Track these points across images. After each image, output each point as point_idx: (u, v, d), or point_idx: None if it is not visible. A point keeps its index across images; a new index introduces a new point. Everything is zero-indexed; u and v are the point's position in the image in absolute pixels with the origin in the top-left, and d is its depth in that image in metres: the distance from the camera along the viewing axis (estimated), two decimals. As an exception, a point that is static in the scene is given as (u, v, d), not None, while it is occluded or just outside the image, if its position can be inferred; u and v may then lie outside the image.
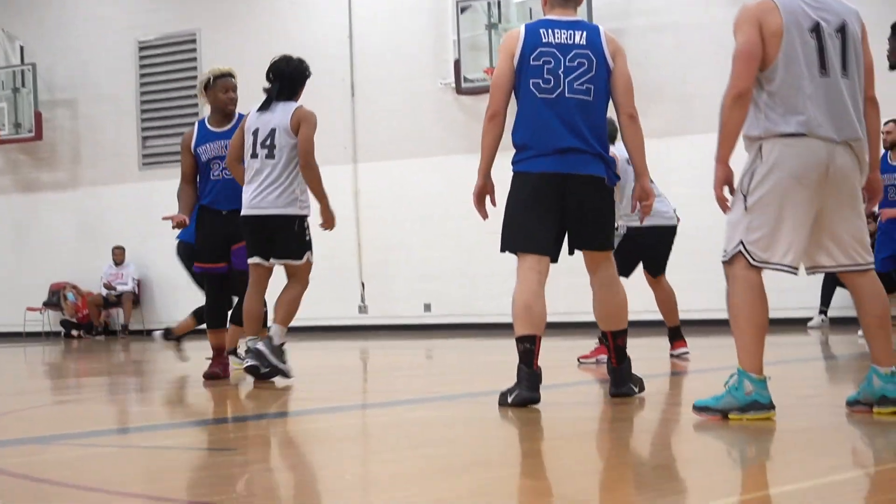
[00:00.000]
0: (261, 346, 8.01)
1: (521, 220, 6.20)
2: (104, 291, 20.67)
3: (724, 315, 5.46)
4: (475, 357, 10.55)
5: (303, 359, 10.82)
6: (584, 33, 6.26)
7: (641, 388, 6.39)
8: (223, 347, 8.73)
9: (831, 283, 14.14)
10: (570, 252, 6.30)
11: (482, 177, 6.32)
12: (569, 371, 8.77)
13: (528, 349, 5.99)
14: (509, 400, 5.99)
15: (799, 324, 13.68)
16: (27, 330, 21.30)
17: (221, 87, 8.51)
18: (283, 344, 8.24)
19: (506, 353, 11.99)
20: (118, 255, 20.64)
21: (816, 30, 5.42)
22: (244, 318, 8.44)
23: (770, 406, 5.28)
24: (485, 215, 6.23)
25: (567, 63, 6.17)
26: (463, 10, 16.75)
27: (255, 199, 8.07)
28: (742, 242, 5.36)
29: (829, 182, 5.38)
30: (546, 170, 6.16)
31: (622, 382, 6.30)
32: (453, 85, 16.94)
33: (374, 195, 18.58)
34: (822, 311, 14.01)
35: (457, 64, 16.84)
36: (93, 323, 20.98)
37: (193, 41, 20.34)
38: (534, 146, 6.14)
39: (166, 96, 20.63)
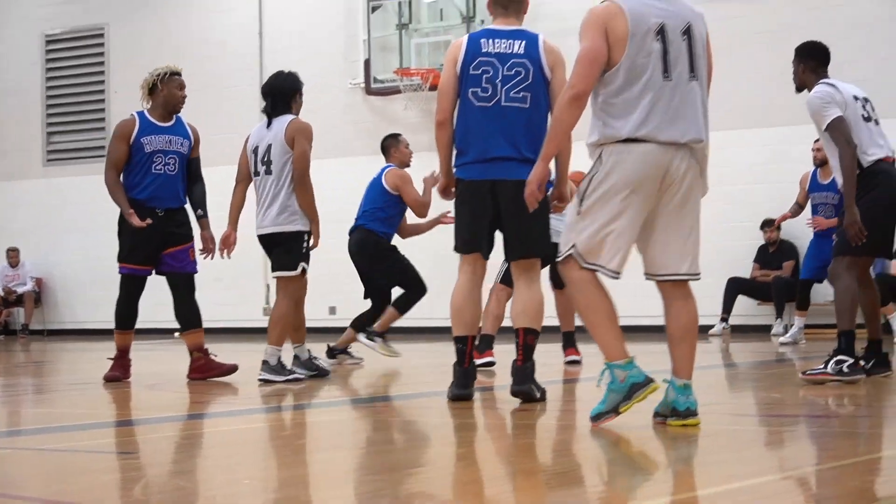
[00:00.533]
0: (263, 373, 8.22)
1: (459, 223, 6.58)
2: (5, 286, 20.30)
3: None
4: (377, 361, 10.50)
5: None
6: (524, 42, 6.45)
7: (543, 397, 6.46)
8: (128, 349, 8.61)
9: (733, 291, 14.33)
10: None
11: (443, 176, 6.69)
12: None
13: (461, 349, 6.39)
14: (449, 397, 6.44)
15: (701, 331, 13.73)
16: None
17: (177, 84, 8.52)
18: (309, 355, 8.63)
19: (409, 356, 11.96)
20: (13, 257, 20.27)
21: (661, 32, 5.40)
22: (276, 327, 8.44)
23: (648, 381, 5.28)
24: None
25: (505, 72, 6.38)
26: (374, 9, 16.63)
27: (259, 218, 8.34)
28: (574, 245, 5.38)
29: (665, 187, 5.37)
30: (476, 177, 6.43)
31: (523, 381, 6.40)
32: (363, 85, 16.82)
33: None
34: (724, 319, 14.12)
35: (367, 64, 16.74)
36: None
37: (102, 35, 20.08)
38: (469, 153, 6.41)
39: (73, 91, 20.37)
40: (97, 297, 19.62)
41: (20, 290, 20.17)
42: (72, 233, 20.17)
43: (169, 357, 13.94)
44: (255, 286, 18.55)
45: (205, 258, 8.65)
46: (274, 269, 8.47)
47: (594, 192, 5.35)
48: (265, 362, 8.20)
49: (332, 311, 17.36)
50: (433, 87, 16.20)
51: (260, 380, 8.24)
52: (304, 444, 5.45)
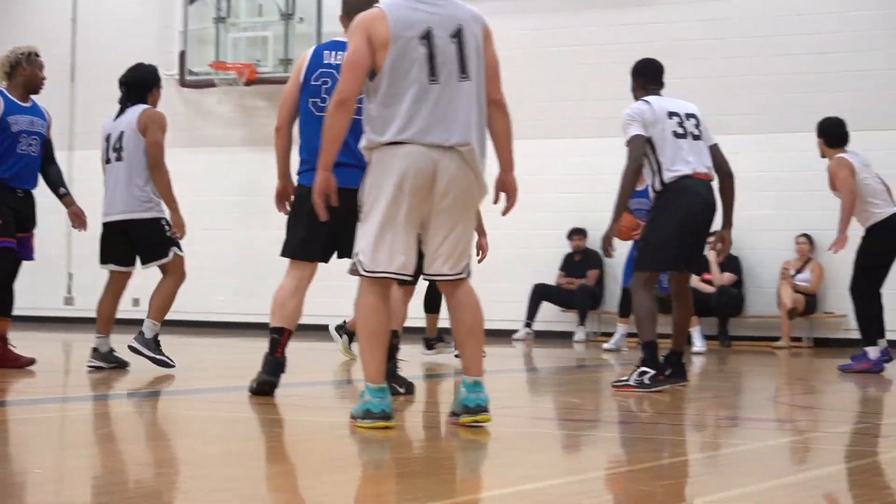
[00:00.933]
0: (134, 342, 8.18)
1: (293, 229, 6.57)
2: None
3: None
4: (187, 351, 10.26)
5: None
6: None
7: (408, 391, 6.66)
8: (3, 336, 8.32)
9: (538, 297, 14.48)
10: (339, 256, 6.59)
11: (280, 179, 6.69)
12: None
13: (276, 339, 6.45)
14: (253, 386, 6.48)
15: (505, 335, 13.78)
16: None
17: (39, 65, 8.29)
18: (156, 336, 8.31)
19: (223, 350, 11.70)
20: None
21: (427, 37, 5.38)
22: (100, 318, 8.39)
23: (382, 416, 5.23)
24: (284, 211, 6.65)
25: None
26: (192, 1, 16.22)
27: (107, 204, 8.25)
28: (358, 252, 5.39)
29: (436, 188, 5.35)
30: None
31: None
32: (177, 77, 16.30)
33: (88, 184, 17.80)
34: (528, 324, 14.23)
35: (182, 56, 16.25)
36: None
37: None
38: (308, 160, 6.37)
39: None
40: None
41: None
42: None
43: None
44: (57, 275, 18.04)
45: (80, 231, 8.52)
46: (146, 259, 8.34)
47: (367, 197, 5.38)
48: (141, 333, 8.21)
49: (136, 302, 16.94)
50: (249, 83, 15.91)
51: (131, 348, 8.21)
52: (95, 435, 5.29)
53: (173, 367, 8.16)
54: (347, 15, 6.23)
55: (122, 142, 8.10)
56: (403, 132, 5.32)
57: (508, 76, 5.79)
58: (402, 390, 6.56)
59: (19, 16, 17.98)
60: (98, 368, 8.13)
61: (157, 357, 8.17)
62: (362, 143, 5.44)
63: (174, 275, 8.35)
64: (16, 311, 8.50)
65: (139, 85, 8.22)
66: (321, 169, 5.44)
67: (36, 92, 8.37)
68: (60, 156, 18.32)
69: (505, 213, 5.61)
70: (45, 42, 17.90)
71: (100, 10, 17.58)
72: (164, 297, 8.35)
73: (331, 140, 5.43)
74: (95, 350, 8.34)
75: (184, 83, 16.31)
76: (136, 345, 8.18)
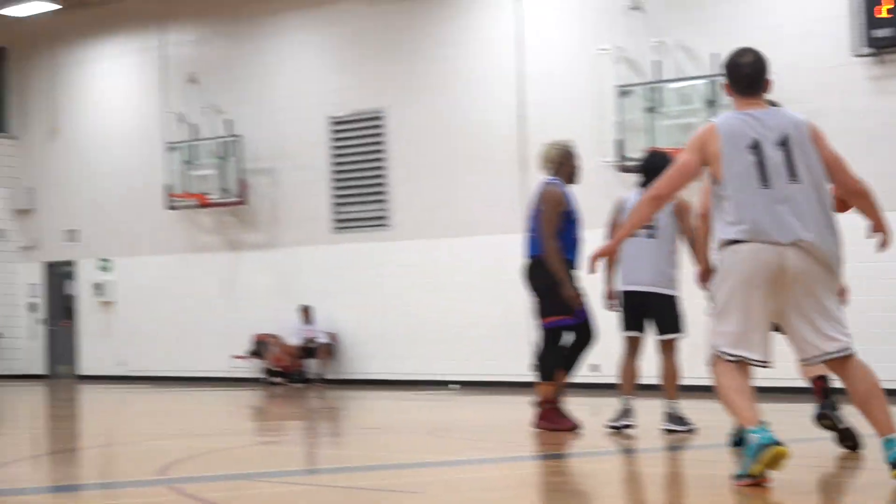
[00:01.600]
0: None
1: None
2: (299, 342, 21.70)
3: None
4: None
5: None
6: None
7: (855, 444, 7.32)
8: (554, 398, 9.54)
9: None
10: None
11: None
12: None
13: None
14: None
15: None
16: (233, 376, 22.40)
17: (578, 158, 9.80)
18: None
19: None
20: (306, 314, 21.64)
21: (756, 147, 5.84)
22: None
23: (772, 443, 5.60)
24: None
25: None
26: (624, 94, 17.77)
27: (636, 274, 9.42)
28: (716, 346, 5.91)
29: (788, 280, 5.74)
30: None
31: None
32: (613, 162, 17.76)
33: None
34: None
35: (619, 143, 17.75)
36: (292, 371, 21.77)
37: (381, 118, 21.15)
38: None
39: (356, 167, 21.50)
40: (376, 351, 21.12)
41: (313, 342, 21.50)
42: (356, 293, 21.45)
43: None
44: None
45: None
46: (662, 332, 9.45)
47: (719, 291, 5.90)
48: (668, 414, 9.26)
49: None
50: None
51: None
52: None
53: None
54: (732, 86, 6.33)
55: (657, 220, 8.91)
56: (744, 232, 5.77)
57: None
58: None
59: (472, 114, 19.99)
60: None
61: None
62: (716, 241, 6.02)
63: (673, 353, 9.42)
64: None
65: (657, 171, 8.54)
66: (616, 240, 6.54)
67: (575, 183, 9.70)
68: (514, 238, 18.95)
69: (882, 246, 6.20)
70: (496, 137, 20.13)
71: (545, 109, 19.08)
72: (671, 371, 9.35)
73: (636, 222, 6.36)
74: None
75: (620, 168, 17.61)
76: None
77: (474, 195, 19.99)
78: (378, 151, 21.26)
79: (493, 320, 19.72)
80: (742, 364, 5.88)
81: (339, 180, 21.78)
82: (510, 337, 19.00)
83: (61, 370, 26.22)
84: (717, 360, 5.93)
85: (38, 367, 26.56)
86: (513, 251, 18.65)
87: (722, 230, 5.92)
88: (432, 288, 20.60)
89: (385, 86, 21.14)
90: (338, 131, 21.73)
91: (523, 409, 10.66)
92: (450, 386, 19.89)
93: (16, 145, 26.83)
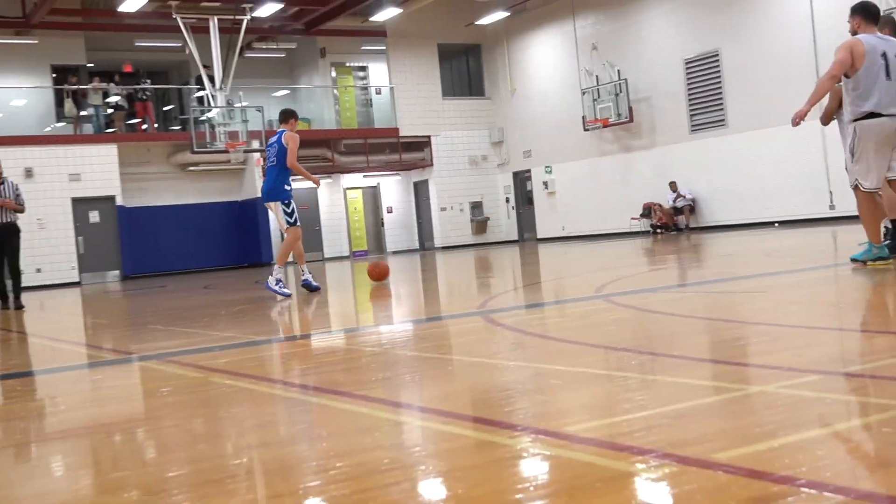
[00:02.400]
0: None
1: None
2: (672, 205, 22.73)
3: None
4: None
5: None
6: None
7: None
8: None
9: None
10: None
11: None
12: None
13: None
14: None
15: None
16: (630, 230, 23.88)
17: None
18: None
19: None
20: (672, 186, 22.66)
21: (884, 55, 6.08)
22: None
23: (887, 257, 5.83)
24: None
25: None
26: None
27: None
28: (856, 178, 6.08)
29: (893, 137, 6.00)
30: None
31: None
32: None
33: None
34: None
35: None
36: (668, 225, 22.77)
37: (717, 56, 21.62)
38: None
39: (704, 90, 21.96)
40: (723, 206, 21.59)
41: (680, 204, 22.40)
42: (706, 171, 22.10)
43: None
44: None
45: None
46: None
47: (857, 149, 6.00)
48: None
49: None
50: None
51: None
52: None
53: None
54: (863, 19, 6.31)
55: None
56: (875, 108, 5.91)
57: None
58: None
59: (802, 43, 19.59)
60: None
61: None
62: (847, 118, 6.04)
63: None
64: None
65: None
66: (807, 104, 6.01)
67: None
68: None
69: None
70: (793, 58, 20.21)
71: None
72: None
73: (820, 93, 6.10)
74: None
75: None
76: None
77: (777, 98, 19.59)
78: (717, 81, 21.73)
79: (797, 179, 20.08)
80: (871, 193, 6.05)
81: (693, 101, 22.49)
82: (809, 188, 19.49)
83: (527, 236, 28.72)
84: (857, 188, 6.10)
85: (513, 236, 29.17)
86: (808, 140, 19.41)
87: (858, 106, 5.89)
88: (755, 163, 21.08)
89: (720, 31, 21.37)
90: (689, 69, 22.56)
91: (824, 236, 10.69)
92: (775, 224, 20.34)
93: (490, 102, 29.66)
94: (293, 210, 9.67)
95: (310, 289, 9.95)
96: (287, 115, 9.87)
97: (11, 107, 25.07)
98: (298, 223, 9.69)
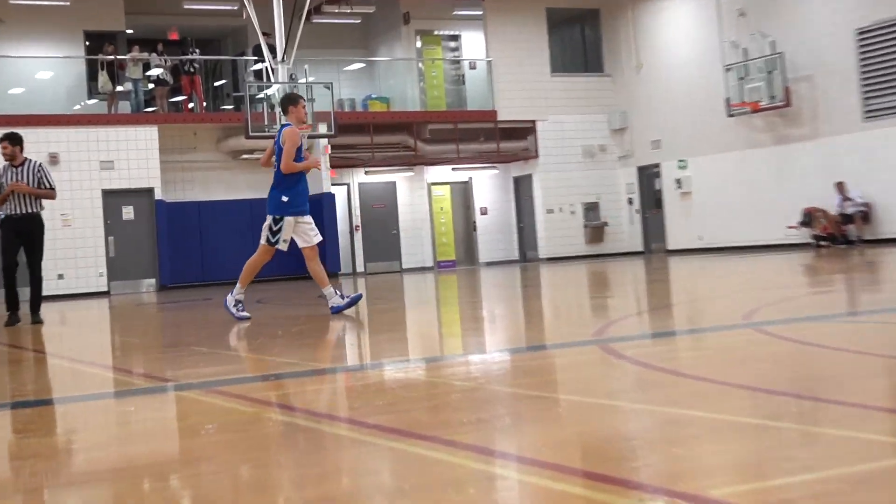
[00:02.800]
0: None
1: None
2: (840, 212, 23.05)
3: None
4: None
5: None
6: None
7: None
8: None
9: None
10: None
11: None
12: None
13: None
14: None
15: None
16: (786, 242, 24.15)
17: None
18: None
19: None
20: (840, 188, 22.84)
21: None
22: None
23: None
24: None
25: None
26: None
27: None
28: None
29: None
30: None
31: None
32: None
33: None
34: None
35: None
36: (835, 236, 23.13)
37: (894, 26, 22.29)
38: None
39: (883, 68, 22.56)
40: None
41: (850, 210, 22.84)
42: (886, 170, 22.40)
43: None
44: None
45: None
46: None
47: None
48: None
49: None
50: None
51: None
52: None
53: None
54: None
55: None
56: None
57: None
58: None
59: None
60: None
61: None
62: None
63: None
64: None
65: None
66: None
67: None
68: None
69: None
70: None
71: None
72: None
73: None
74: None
75: None
76: None
77: None
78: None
79: None
80: None
81: (866, 80, 22.97)
82: None
83: (654, 247, 29.36)
84: None
85: (637, 246, 29.88)
86: None
87: None
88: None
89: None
90: (863, 40, 23.07)
91: None
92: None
93: (610, 80, 30.35)
94: (280, 230, 9.67)
95: (233, 315, 10.04)
96: (288, 103, 9.72)
97: (36, 80, 26.18)
98: (280, 246, 9.69)
